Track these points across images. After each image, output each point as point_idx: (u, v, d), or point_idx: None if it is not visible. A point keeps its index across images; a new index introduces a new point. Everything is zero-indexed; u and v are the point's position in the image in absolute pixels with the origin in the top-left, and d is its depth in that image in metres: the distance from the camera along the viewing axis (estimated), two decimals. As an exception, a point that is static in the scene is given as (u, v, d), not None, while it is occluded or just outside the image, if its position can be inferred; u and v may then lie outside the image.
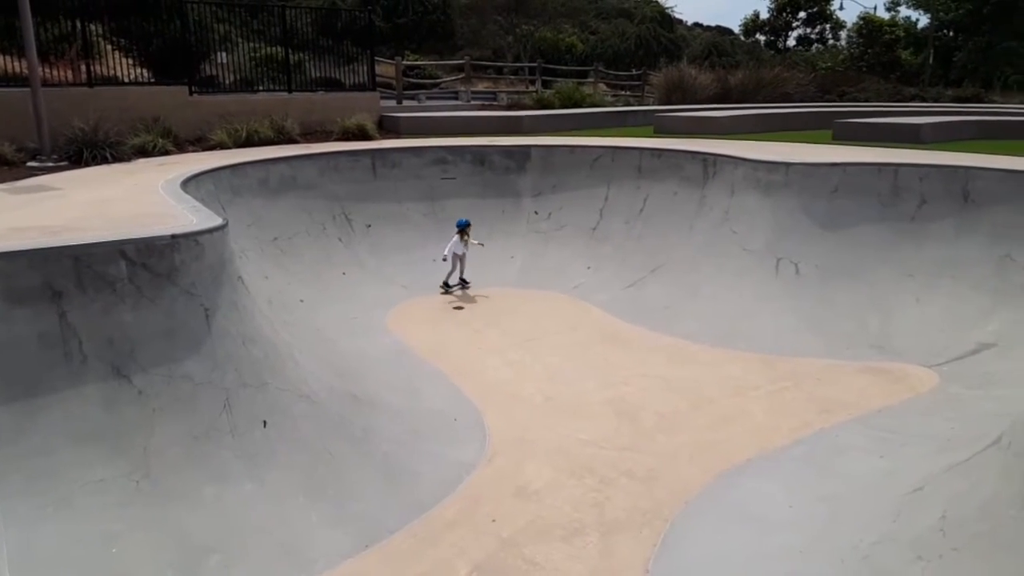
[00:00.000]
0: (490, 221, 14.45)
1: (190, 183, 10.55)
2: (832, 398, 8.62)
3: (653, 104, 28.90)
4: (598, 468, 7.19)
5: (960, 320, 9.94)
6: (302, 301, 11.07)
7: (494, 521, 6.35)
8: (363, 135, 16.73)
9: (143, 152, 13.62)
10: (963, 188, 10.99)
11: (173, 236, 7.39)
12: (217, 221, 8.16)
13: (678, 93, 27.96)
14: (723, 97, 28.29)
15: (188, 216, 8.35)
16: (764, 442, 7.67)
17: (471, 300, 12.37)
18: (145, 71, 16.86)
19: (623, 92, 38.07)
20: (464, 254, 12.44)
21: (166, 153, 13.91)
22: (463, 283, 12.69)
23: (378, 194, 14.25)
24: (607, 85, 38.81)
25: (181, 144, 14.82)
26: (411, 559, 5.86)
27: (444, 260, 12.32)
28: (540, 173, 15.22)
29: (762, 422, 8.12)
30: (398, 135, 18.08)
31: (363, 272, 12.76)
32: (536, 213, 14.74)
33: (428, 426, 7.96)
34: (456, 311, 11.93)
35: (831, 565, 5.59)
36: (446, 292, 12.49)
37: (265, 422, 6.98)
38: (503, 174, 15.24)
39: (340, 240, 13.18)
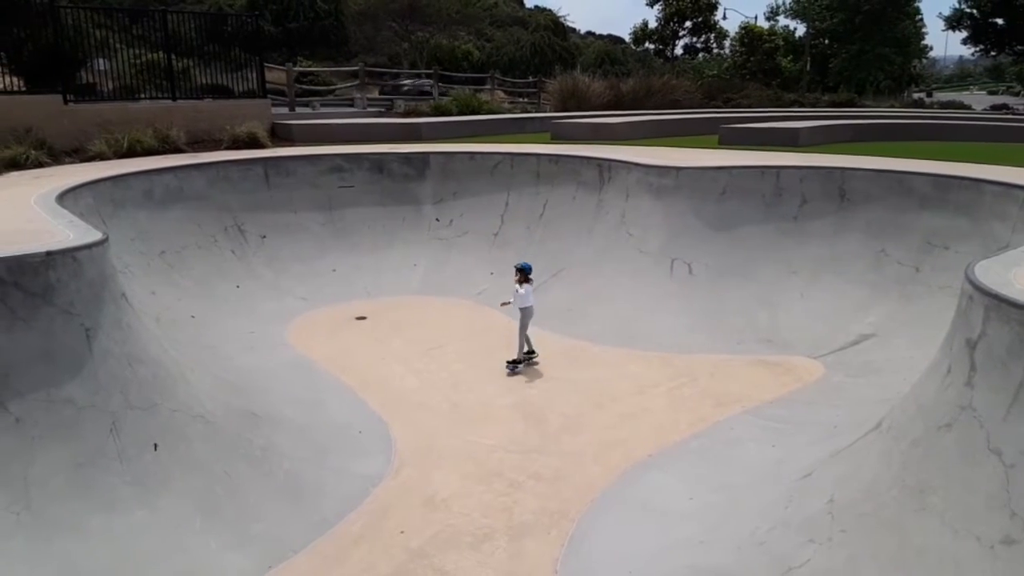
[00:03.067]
0: (391, 229, 14.32)
1: (67, 196, 9.94)
2: (726, 391, 8.99)
3: (549, 111, 29.39)
4: (506, 472, 7.23)
5: (841, 313, 10.56)
6: (193, 317, 10.62)
7: (402, 533, 6.27)
8: (255, 143, 16.22)
9: (15, 165, 12.73)
10: (840, 188, 11.70)
11: (48, 253, 6.93)
12: (96, 236, 7.71)
13: (573, 100, 28.53)
14: (616, 104, 29.06)
15: (65, 231, 7.86)
16: (664, 438, 7.91)
17: (374, 310, 12.19)
18: (16, 79, 15.76)
19: (520, 99, 38.52)
20: (530, 308, 9.77)
21: (40, 165, 13.05)
22: (529, 356, 9.93)
23: (272, 204, 13.84)
24: (504, 92, 39.17)
25: (57, 155, 13.94)
26: (314, 579, 5.70)
27: (509, 304, 9.98)
28: (440, 180, 15.18)
29: (662, 418, 8.37)
30: (292, 143, 17.64)
31: (259, 285, 12.36)
32: (437, 220, 14.70)
33: (332, 441, 7.78)
34: (358, 322, 11.73)
35: (730, 553, 5.82)
36: (514, 371, 9.70)
37: (156, 445, 6.63)
38: (403, 181, 15.11)
39: (233, 252, 12.72)
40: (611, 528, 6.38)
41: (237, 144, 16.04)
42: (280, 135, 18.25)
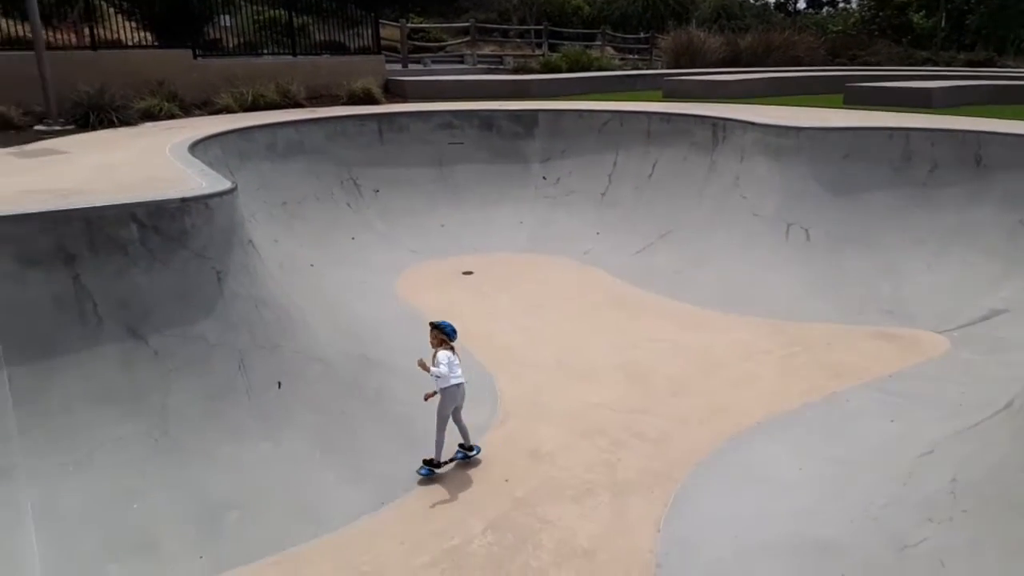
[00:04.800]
0: (499, 186, 14.40)
1: (198, 147, 10.51)
2: (842, 363, 8.65)
3: (661, 68, 28.57)
4: (610, 430, 7.26)
5: (971, 286, 9.92)
6: (312, 265, 11.08)
7: (507, 481, 6.43)
8: (370, 99, 16.60)
9: (149, 116, 13.55)
10: (975, 153, 10.89)
11: (183, 199, 7.38)
12: (226, 184, 8.15)
13: (687, 57, 27.60)
14: (732, 61, 27.93)
15: (197, 180, 8.33)
16: (773, 406, 7.72)
17: (480, 265, 12.36)
18: (148, 34, 16.68)
19: (631, 56, 37.61)
20: (464, 386, 6.49)
21: (172, 117, 13.83)
22: (466, 452, 6.72)
23: (386, 159, 14.18)
24: (614, 49, 38.32)
25: (187, 108, 14.73)
26: (427, 515, 5.95)
27: (433, 386, 6.47)
28: (548, 138, 15.11)
29: (771, 386, 8.16)
30: (404, 99, 17.93)
31: (372, 236, 12.76)
32: (544, 178, 14.67)
33: (440, 388, 8.00)
34: (465, 276, 11.94)
35: (840, 525, 5.66)
36: (431, 474, 6.50)
37: (280, 383, 7.04)
38: (511, 139, 15.13)
39: (349, 205, 13.15)
40: (715, 492, 6.32)
41: (353, 100, 16.46)
42: (393, 91, 18.58)
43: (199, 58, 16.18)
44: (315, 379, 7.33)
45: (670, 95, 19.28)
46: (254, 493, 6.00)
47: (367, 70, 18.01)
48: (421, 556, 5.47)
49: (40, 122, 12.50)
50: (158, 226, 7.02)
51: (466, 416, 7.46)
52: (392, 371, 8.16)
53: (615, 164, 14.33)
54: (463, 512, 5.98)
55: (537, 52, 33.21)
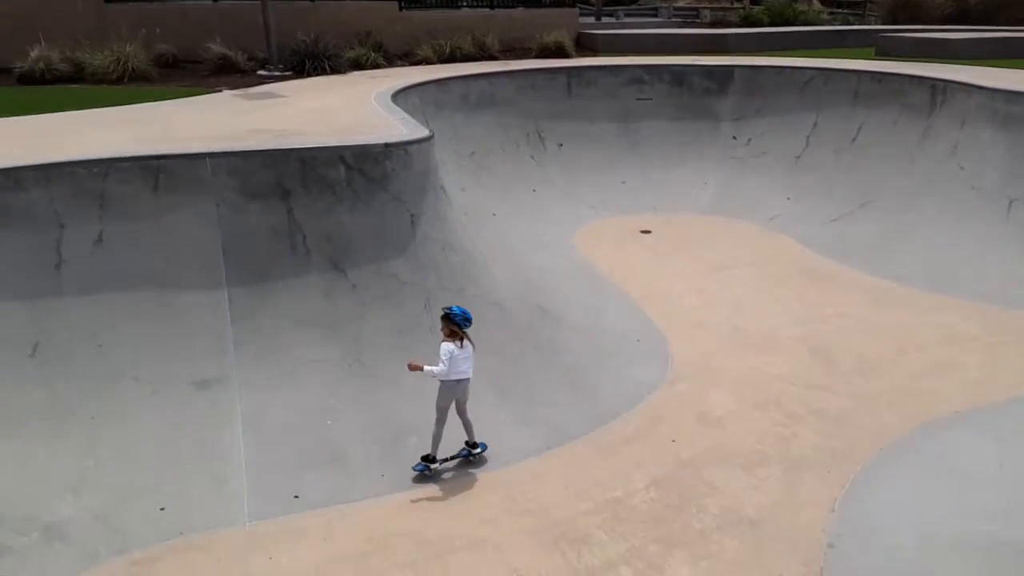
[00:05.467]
0: (685, 145, 13.99)
1: (399, 96, 11.07)
2: (1065, 358, 7.72)
3: (876, 24, 26.19)
4: (786, 403, 6.98)
5: None
6: (494, 215, 11.42)
7: (673, 442, 6.40)
8: (561, 52, 16.62)
9: (357, 65, 14.42)
10: None
11: (386, 145, 7.86)
12: (424, 132, 8.56)
13: (906, 11, 25.10)
14: (959, 17, 25.05)
15: (398, 127, 8.81)
16: (976, 396, 7.05)
17: (659, 225, 12.16)
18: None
19: (841, 10, 34.72)
20: (467, 382, 5.93)
21: (377, 66, 14.63)
22: (470, 449, 6.18)
23: (572, 113, 14.19)
24: (822, 3, 35.54)
25: (390, 58, 15.51)
26: (591, 465, 6.07)
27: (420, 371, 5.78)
28: (743, 95, 14.41)
29: (976, 375, 7.45)
30: (595, 53, 17.77)
31: (553, 190, 12.91)
32: (735, 138, 14.06)
33: (612, 344, 8.07)
34: (643, 235, 11.81)
35: (1045, 533, 5.14)
36: (426, 470, 5.97)
37: (460, 324, 7.41)
38: (702, 96, 14.59)
39: (532, 158, 13.35)
40: (900, 479, 5.92)
41: (545, 53, 16.56)
42: (584, 45, 18.46)
43: (403, 10, 16.91)
44: (493, 323, 7.62)
45: (883, 53, 17.68)
46: (431, 423, 6.38)
47: (560, 23, 18.00)
48: (584, 503, 5.61)
49: (262, 67, 13.70)
50: (363, 168, 7.53)
51: (635, 373, 7.49)
52: (565, 322, 8.31)
53: (815, 125, 13.44)
54: (627, 466, 6.04)
55: (737, 5, 31.50)
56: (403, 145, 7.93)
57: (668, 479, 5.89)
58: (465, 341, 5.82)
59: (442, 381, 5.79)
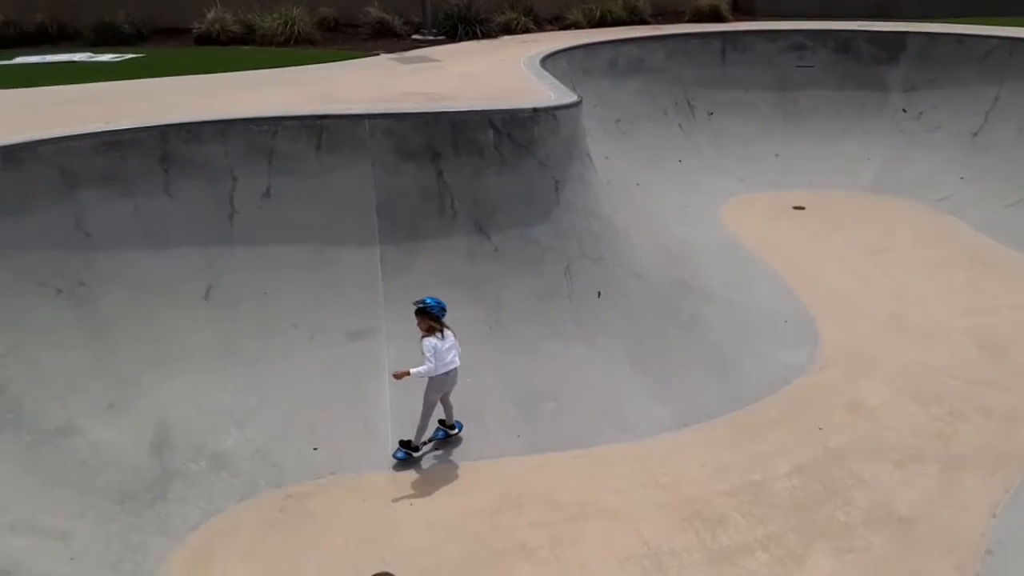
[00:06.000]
0: (847, 116, 13.10)
1: (548, 61, 11.01)
2: None
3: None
4: (948, 398, 6.49)
5: None
6: (638, 185, 11.21)
7: (820, 430, 6.11)
8: (716, 16, 15.90)
9: (507, 29, 14.46)
10: None
11: (534, 109, 7.86)
12: (573, 98, 8.48)
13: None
14: None
15: (547, 92, 8.78)
16: None
17: (815, 201, 11.51)
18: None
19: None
20: (455, 371, 5.78)
21: (527, 31, 14.60)
22: (447, 430, 6.10)
23: (725, 80, 13.59)
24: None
25: (540, 22, 15.41)
26: (729, 446, 5.91)
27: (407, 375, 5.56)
28: (915, 65, 13.26)
29: None
30: (752, 16, 16.88)
31: (700, 161, 12.48)
32: (904, 111, 13.00)
33: (757, 324, 7.76)
34: (796, 211, 11.23)
35: None
36: (407, 457, 5.85)
37: (599, 292, 7.37)
38: (870, 64, 13.55)
39: (680, 127, 12.94)
40: (1078, 492, 5.39)
41: (699, 16, 15.92)
42: (741, 8, 17.57)
43: (554, -26, 16.70)
44: (632, 294, 7.54)
45: (1088, 18, 15.71)
46: (569, 390, 6.44)
47: (716, -15, 17.18)
48: (720, 483, 5.48)
49: (417, 31, 14.01)
50: (511, 133, 7.58)
51: (781, 355, 7.20)
52: (708, 298, 8.08)
53: (996, 100, 12.20)
54: (769, 451, 5.84)
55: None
56: (551, 110, 7.91)
57: (813, 467, 5.65)
58: (446, 331, 5.65)
59: (431, 377, 5.58)
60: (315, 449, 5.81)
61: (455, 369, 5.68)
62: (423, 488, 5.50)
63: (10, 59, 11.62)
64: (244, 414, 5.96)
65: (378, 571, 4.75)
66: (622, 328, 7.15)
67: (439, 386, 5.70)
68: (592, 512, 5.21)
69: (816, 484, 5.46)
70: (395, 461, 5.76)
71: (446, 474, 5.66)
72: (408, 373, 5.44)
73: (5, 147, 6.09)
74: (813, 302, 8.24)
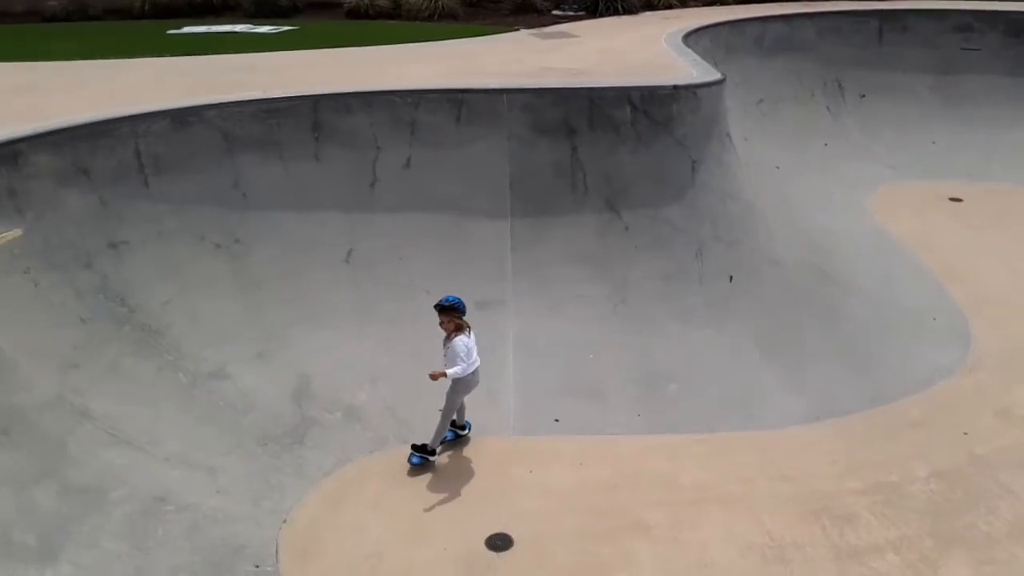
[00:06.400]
0: (1016, 104, 12.05)
1: (690, 37, 10.74)
2: None
3: None
4: (1120, 413, 5.91)
5: None
6: (778, 168, 10.76)
7: (965, 434, 5.71)
8: (871, -9, 14.92)
9: (649, 5, 14.19)
10: None
11: (675, 87, 7.70)
12: (716, 75, 8.23)
13: None
14: None
15: (688, 69, 8.57)
16: None
17: (973, 193, 10.66)
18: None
19: None
20: (477, 372, 5.43)
21: (669, 6, 14.26)
22: (457, 431, 5.83)
23: (880, 61, 12.76)
24: None
25: (683, -2, 15.04)
26: (864, 444, 5.64)
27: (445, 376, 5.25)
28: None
29: None
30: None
31: (847, 146, 11.81)
32: (1084, 100, 11.80)
33: (902, 320, 7.31)
34: (952, 203, 10.45)
35: None
36: (423, 462, 5.58)
37: (731, 277, 7.17)
38: (1046, 49, 12.38)
39: (828, 109, 12.29)
40: None
41: (852, -9, 15.00)
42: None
43: (700, -52, 16.18)
44: (767, 281, 7.29)
45: None
46: (693, 373, 6.33)
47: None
48: (852, 481, 5.25)
49: (557, 7, 14.01)
50: (648, 110, 7.47)
51: (927, 353, 6.81)
52: (849, 290, 7.69)
53: None
54: (907, 452, 5.52)
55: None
56: (692, 88, 7.73)
57: (955, 473, 5.30)
58: (469, 329, 5.30)
59: (459, 379, 5.23)
60: (440, 410, 6.00)
61: (478, 368, 5.36)
62: (542, 458, 5.58)
63: (179, 28, 12.56)
64: (377, 372, 6.25)
65: (495, 532, 4.89)
66: (753, 315, 6.94)
67: (466, 387, 5.42)
68: (713, 497, 5.13)
69: (957, 490, 5.12)
70: (515, 435, 5.83)
71: (565, 447, 5.71)
72: (444, 374, 5.11)
73: (176, 110, 6.62)
74: (966, 301, 7.67)
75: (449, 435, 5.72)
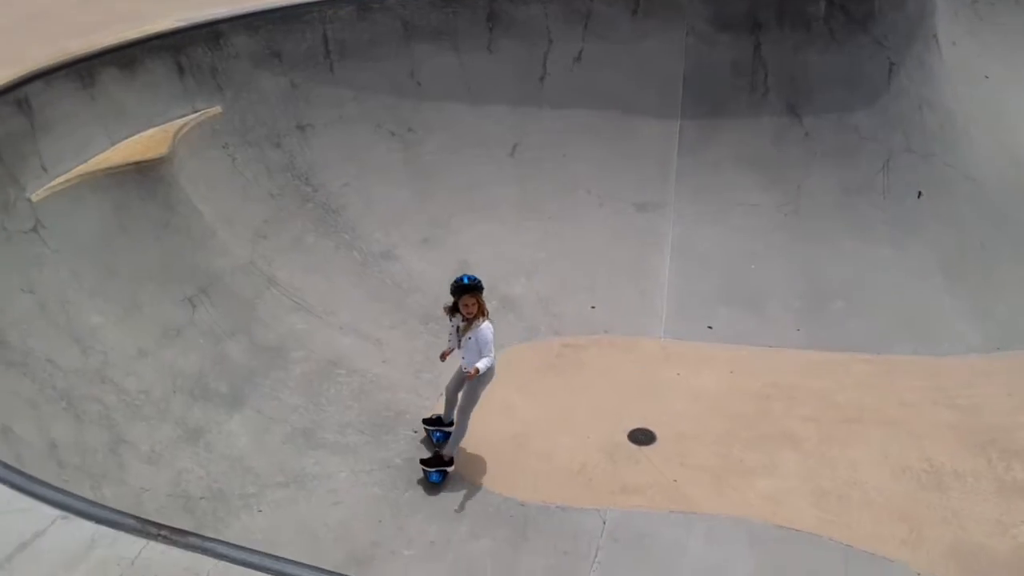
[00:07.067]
0: None
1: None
2: None
3: None
4: None
5: None
6: (987, 77, 9.55)
7: None
8: None
9: None
10: None
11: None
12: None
13: None
14: None
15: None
16: None
17: None
18: None
19: None
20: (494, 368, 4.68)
21: None
22: (445, 432, 5.03)
23: None
24: None
25: None
26: (1052, 380, 5.18)
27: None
28: None
29: None
30: None
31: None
32: None
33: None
34: None
35: None
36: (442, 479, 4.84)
37: (920, 192, 6.60)
38: None
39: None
40: None
41: None
42: None
43: None
44: (961, 198, 6.65)
45: None
46: (865, 292, 6.00)
47: None
48: (1029, 416, 4.86)
49: None
50: (846, 5, 6.82)
51: None
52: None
53: None
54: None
55: None
56: (910, -21, 6.95)
57: None
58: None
59: (488, 369, 4.47)
60: (592, 307, 6.09)
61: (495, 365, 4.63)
62: (692, 363, 5.56)
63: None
64: (533, 265, 6.39)
65: (639, 427, 4.97)
66: (941, 234, 6.39)
67: (490, 377, 4.62)
68: (871, 419, 4.93)
69: None
70: (665, 338, 5.78)
71: (717, 353, 5.64)
72: (479, 371, 4.36)
73: (360, -1, 6.83)
74: None
75: (437, 436, 5.03)
